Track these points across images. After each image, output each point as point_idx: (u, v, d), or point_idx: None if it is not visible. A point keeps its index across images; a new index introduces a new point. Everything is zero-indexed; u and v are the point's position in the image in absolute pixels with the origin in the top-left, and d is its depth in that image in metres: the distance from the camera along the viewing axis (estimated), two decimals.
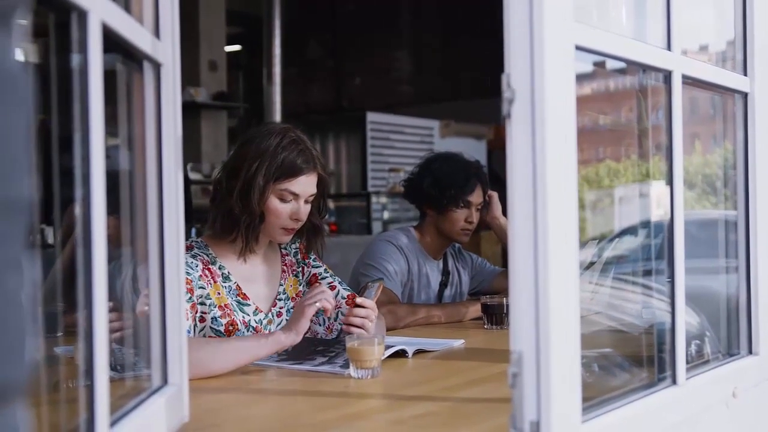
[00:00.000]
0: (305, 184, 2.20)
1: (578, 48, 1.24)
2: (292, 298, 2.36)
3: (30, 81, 0.59)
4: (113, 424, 1.08)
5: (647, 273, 1.94)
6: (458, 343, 2.34)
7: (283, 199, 2.19)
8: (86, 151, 0.99)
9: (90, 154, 0.99)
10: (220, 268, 2.22)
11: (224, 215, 2.20)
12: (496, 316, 2.63)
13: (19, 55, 0.58)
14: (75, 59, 1.00)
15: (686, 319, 1.54)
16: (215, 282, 2.19)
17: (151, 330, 1.35)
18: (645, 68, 1.55)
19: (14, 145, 0.54)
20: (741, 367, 1.74)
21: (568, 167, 1.20)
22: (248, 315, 2.22)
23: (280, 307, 2.32)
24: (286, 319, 2.30)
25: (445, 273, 3.13)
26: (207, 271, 2.18)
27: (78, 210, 0.99)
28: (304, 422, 1.53)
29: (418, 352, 2.17)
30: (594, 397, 1.32)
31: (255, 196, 2.15)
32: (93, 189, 0.99)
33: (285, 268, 2.38)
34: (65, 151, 1.01)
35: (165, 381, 1.36)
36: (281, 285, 2.35)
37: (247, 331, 2.21)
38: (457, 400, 1.69)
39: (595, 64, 1.45)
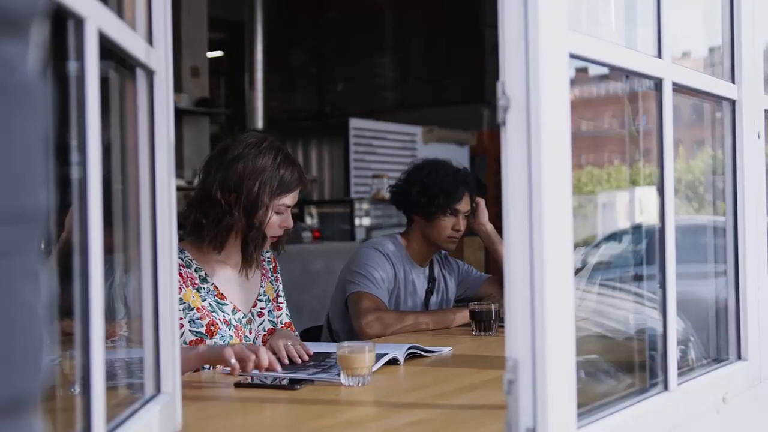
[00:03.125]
0: (296, 196, 2.33)
1: (572, 56, 1.25)
2: (272, 300, 2.43)
3: (46, 90, 0.59)
4: None
5: (634, 279, 1.95)
6: (447, 350, 2.34)
7: (278, 212, 2.29)
8: (83, 158, 0.98)
9: (87, 161, 0.98)
10: (196, 271, 2.26)
11: (224, 232, 2.25)
12: (484, 322, 2.63)
13: (35, 65, 0.58)
14: (71, 66, 0.99)
15: None
16: (187, 286, 2.23)
17: (144, 339, 1.34)
18: (636, 76, 1.56)
19: (32, 154, 0.54)
20: (730, 372, 1.75)
21: (564, 174, 1.20)
22: (227, 314, 2.27)
23: (261, 308, 2.38)
24: (269, 320, 2.39)
25: (431, 280, 3.13)
26: (178, 276, 2.20)
27: (75, 217, 0.98)
28: (297, 431, 1.53)
29: (411, 356, 2.18)
30: (587, 404, 1.32)
31: (260, 213, 2.24)
32: (90, 196, 0.98)
33: (264, 271, 2.45)
34: (60, 159, 1.00)
35: (158, 390, 1.35)
36: (262, 287, 2.42)
37: (229, 329, 2.25)
38: (450, 407, 1.69)
39: (578, 70, 1.46)
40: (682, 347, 1.77)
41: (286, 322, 2.46)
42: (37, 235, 0.57)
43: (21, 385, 0.55)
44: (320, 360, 2.13)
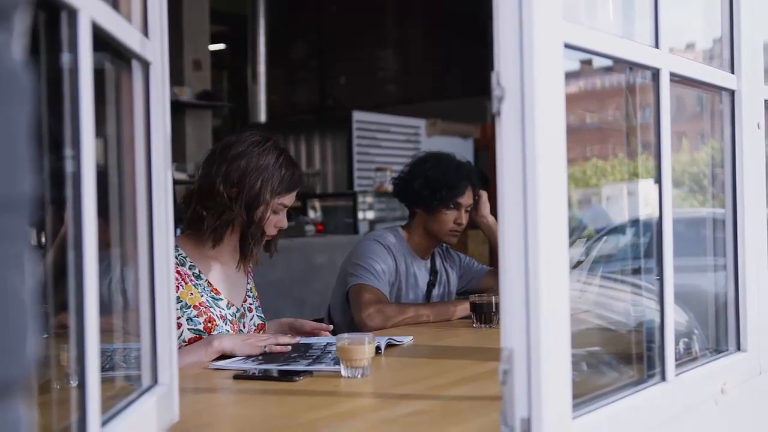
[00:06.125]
0: (294, 197, 2.36)
1: (567, 46, 1.24)
2: (256, 297, 2.47)
3: (30, 79, 0.59)
4: (104, 423, 1.08)
5: (635, 271, 1.95)
6: (407, 339, 2.35)
7: (275, 211, 2.31)
8: (77, 151, 0.98)
9: (81, 154, 0.98)
10: (190, 268, 2.28)
11: (224, 225, 2.27)
12: (485, 314, 2.63)
13: (19, 54, 0.58)
14: (64, 58, 0.99)
15: (674, 317, 1.55)
16: (186, 283, 2.23)
17: (141, 330, 1.35)
18: (633, 66, 1.55)
19: (17, 142, 0.54)
20: (729, 363, 1.75)
21: (558, 164, 1.20)
22: (223, 309, 2.29)
23: (250, 304, 2.41)
24: (257, 315, 2.43)
25: (433, 272, 3.13)
26: (176, 274, 2.22)
27: (69, 211, 0.98)
28: (294, 422, 1.53)
29: (389, 346, 2.22)
30: (584, 394, 1.32)
31: (260, 211, 2.26)
32: (83, 189, 0.99)
33: (249, 269, 2.48)
34: (54, 152, 1.00)
35: (155, 381, 1.35)
36: (248, 283, 2.45)
37: (225, 324, 2.27)
38: (447, 398, 1.69)
39: (582, 62, 1.46)
40: (686, 340, 1.77)
41: (259, 324, 2.45)
42: (22, 223, 0.57)
43: (5, 370, 0.55)
44: (304, 351, 2.13)
